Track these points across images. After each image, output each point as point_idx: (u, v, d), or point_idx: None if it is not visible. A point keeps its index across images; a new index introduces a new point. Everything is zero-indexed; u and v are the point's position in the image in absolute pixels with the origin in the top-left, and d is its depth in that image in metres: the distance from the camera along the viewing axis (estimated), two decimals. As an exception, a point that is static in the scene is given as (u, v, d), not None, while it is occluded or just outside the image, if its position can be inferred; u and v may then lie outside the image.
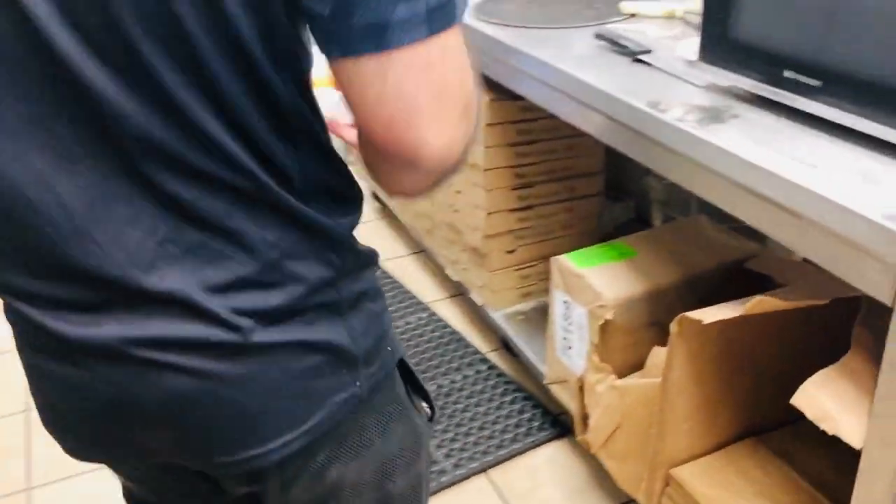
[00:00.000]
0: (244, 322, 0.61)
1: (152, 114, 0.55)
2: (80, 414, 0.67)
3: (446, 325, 2.09)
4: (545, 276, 1.87)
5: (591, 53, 1.32)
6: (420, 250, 2.40)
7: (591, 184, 1.82)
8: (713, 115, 1.03)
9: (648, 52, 1.25)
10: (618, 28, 1.42)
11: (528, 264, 1.85)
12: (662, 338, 1.42)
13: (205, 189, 0.59)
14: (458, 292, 2.18)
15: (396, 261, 2.42)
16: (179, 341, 0.61)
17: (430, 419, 0.81)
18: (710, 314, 1.05)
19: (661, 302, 1.38)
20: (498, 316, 1.86)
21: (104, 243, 0.59)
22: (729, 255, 1.43)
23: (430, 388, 1.84)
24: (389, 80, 0.54)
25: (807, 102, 0.96)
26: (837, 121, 0.93)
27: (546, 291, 1.91)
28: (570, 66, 1.26)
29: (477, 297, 1.93)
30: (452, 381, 1.86)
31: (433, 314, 2.14)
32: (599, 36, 1.33)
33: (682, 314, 1.09)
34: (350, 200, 0.67)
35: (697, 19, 1.47)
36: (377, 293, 0.72)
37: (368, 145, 0.60)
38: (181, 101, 0.55)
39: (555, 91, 1.29)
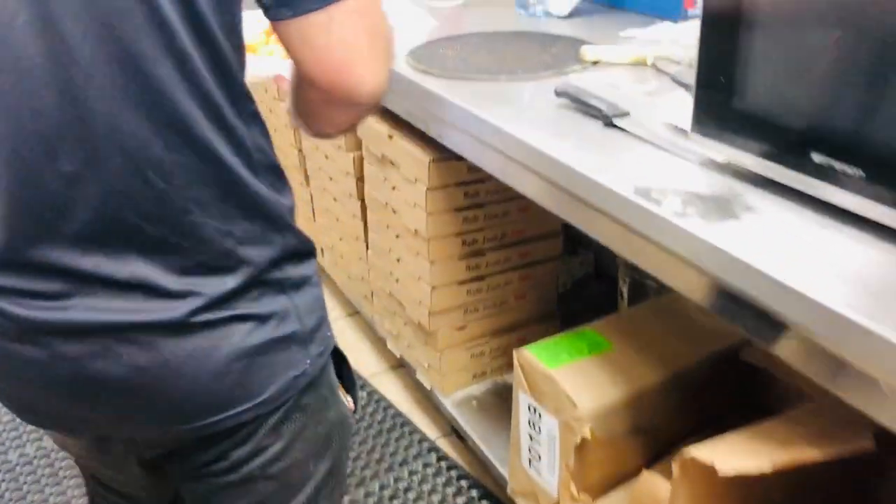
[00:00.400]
0: (200, 302, 0.65)
1: (126, 100, 0.60)
2: (37, 390, 0.69)
3: (388, 406, 1.83)
4: (499, 353, 1.65)
5: (554, 115, 1.09)
6: (356, 311, 2.15)
7: (548, 247, 1.60)
8: (720, 208, 0.81)
9: (625, 114, 1.03)
10: (582, 81, 1.19)
11: (480, 341, 1.61)
12: (645, 446, 1.20)
13: (167, 183, 0.63)
14: (401, 363, 1.93)
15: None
16: (140, 323, 0.65)
17: (355, 410, 0.85)
18: (726, 461, 0.83)
19: (645, 405, 1.16)
20: (448, 402, 1.62)
21: (70, 238, 0.63)
22: (718, 343, 1.22)
23: (373, 488, 1.59)
24: (335, 30, 0.62)
25: (843, 195, 0.75)
26: (889, 223, 0.72)
27: (501, 370, 1.68)
28: (530, 132, 1.03)
29: (424, 380, 1.69)
30: (397, 479, 1.61)
31: (373, 392, 1.88)
32: (562, 93, 1.10)
33: (688, 454, 0.87)
34: (285, 179, 0.72)
35: (672, 67, 1.26)
36: (318, 281, 0.76)
37: (312, 92, 0.68)
38: (158, 78, 0.59)
39: (512, 162, 1.06)
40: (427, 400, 1.80)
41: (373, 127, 1.55)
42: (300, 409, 0.74)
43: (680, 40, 1.40)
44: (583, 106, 1.07)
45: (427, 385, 1.68)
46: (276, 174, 0.70)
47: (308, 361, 0.73)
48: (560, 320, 1.70)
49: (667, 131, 1.00)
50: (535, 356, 1.19)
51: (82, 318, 0.64)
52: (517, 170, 1.06)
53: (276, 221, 0.70)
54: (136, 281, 0.64)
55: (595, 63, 1.29)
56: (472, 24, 1.58)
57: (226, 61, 0.63)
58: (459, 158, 1.37)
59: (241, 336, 0.68)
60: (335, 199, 1.88)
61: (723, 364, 1.22)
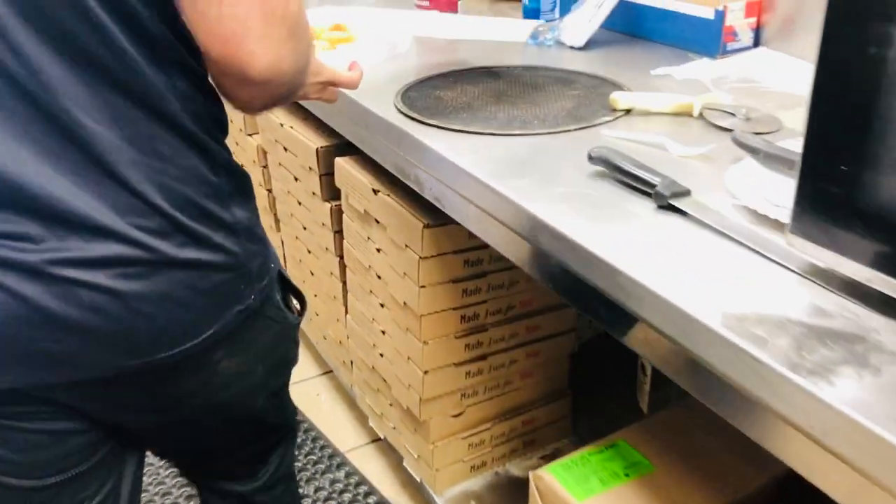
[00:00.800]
0: (155, 242, 0.68)
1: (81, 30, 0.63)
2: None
3: (370, 492, 1.58)
4: (502, 440, 1.41)
5: (588, 188, 0.85)
6: (331, 369, 1.89)
7: (560, 319, 1.36)
8: (850, 354, 0.57)
9: (686, 194, 0.80)
10: (617, 138, 0.96)
11: (479, 428, 1.37)
12: None
13: (110, 119, 0.65)
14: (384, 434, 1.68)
15: (300, 385, 1.90)
16: (97, 260, 0.66)
17: (301, 312, 0.90)
18: None
19: (697, 547, 0.93)
20: (441, 501, 1.37)
21: (19, 176, 0.64)
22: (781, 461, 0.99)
23: None
24: (225, 4, 0.63)
25: None
26: None
27: (504, 459, 1.44)
28: (560, 213, 0.79)
29: (412, 470, 1.44)
30: (382, 592, 1.36)
31: (352, 473, 1.63)
32: (599, 159, 0.87)
33: None
34: (224, 124, 0.75)
35: (724, 119, 1.03)
36: (259, 218, 0.80)
37: (209, 62, 0.68)
38: (98, 17, 0.62)
39: (539, 252, 0.82)
40: (415, 486, 1.56)
41: (353, 176, 1.30)
42: (248, 333, 0.79)
43: (726, 82, 1.17)
44: (628, 178, 0.84)
45: (416, 477, 1.43)
46: (207, 124, 0.71)
47: (252, 297, 0.77)
48: (571, 398, 1.46)
49: (742, 217, 0.76)
50: (558, 481, 0.95)
51: (41, 257, 0.65)
52: (544, 261, 0.82)
53: (216, 161, 0.72)
54: (90, 222, 0.65)
55: (627, 112, 1.06)
56: (473, 55, 1.34)
57: (131, 8, 0.64)
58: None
59: (198, 281, 0.71)
60: (309, 251, 1.64)
61: (786, 486, 0.99)
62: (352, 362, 1.57)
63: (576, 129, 1.01)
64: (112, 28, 0.63)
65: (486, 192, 0.88)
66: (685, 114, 1.04)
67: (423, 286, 1.19)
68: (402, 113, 1.08)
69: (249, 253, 0.75)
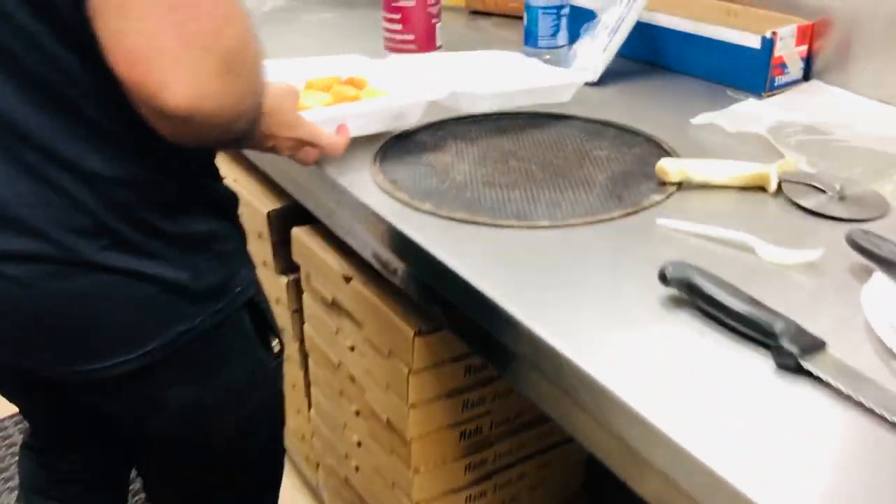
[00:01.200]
0: (73, 241, 0.64)
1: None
2: None
3: None
4: (509, 565, 1.14)
5: (664, 323, 0.60)
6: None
7: (578, 418, 1.10)
8: None
9: (821, 348, 0.54)
10: (683, 234, 0.70)
11: (482, 555, 1.11)
12: None
13: (48, 123, 0.62)
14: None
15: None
16: (12, 253, 0.64)
17: (280, 354, 0.82)
18: None
19: None
20: None
21: None
22: None
23: None
24: (132, 16, 0.55)
25: None
26: None
27: (511, 586, 1.19)
28: (636, 379, 0.54)
29: None
30: None
31: (323, 590, 1.36)
32: (677, 282, 0.61)
33: None
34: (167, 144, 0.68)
35: (809, 197, 0.79)
36: (230, 236, 0.73)
37: (122, 85, 0.59)
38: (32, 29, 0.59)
39: (605, 433, 0.57)
40: None
41: (316, 255, 1.03)
42: (201, 360, 0.72)
43: (788, 133, 0.93)
44: (727, 317, 0.58)
45: None
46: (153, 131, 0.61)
47: (199, 318, 0.70)
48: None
49: (916, 392, 0.52)
50: None
51: None
52: (615, 447, 0.57)
53: (167, 170, 0.66)
54: (9, 216, 0.63)
55: (679, 186, 0.81)
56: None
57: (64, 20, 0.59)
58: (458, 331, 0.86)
59: (127, 288, 0.66)
60: (262, 326, 1.35)
61: None
62: (318, 464, 1.30)
63: (620, 216, 0.75)
64: (43, 35, 0.60)
65: (518, 330, 0.62)
66: (757, 187, 0.80)
67: (413, 405, 0.92)
68: (383, 189, 0.81)
69: (199, 269, 0.69)
